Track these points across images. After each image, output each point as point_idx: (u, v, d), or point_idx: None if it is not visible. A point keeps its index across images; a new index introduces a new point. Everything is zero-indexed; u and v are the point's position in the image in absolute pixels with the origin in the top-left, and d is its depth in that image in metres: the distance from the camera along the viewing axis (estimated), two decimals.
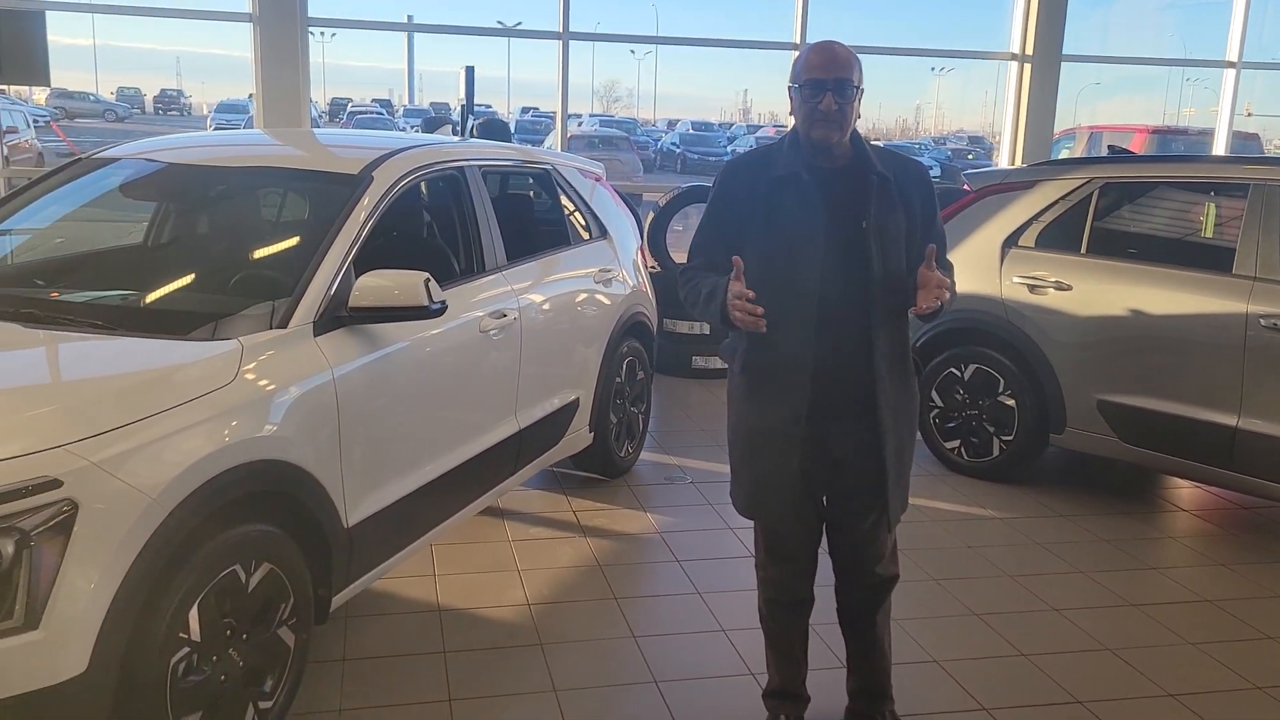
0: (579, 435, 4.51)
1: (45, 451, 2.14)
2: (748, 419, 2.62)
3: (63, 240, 4.37)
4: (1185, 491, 5.13)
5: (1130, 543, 4.42)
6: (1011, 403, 5.03)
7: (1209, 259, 4.68)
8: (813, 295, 2.46)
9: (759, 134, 35.68)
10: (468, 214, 3.91)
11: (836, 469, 2.61)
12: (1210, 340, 4.40)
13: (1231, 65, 8.91)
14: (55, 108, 33.44)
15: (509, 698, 3.05)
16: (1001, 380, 5.06)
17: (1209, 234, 5.51)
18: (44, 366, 2.70)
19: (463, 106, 7.91)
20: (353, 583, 3.04)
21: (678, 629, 3.50)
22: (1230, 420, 4.33)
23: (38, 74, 6.63)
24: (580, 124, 29.20)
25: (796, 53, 7.81)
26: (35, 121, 20.95)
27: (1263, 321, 4.24)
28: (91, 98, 41.41)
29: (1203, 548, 4.43)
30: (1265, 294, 4.28)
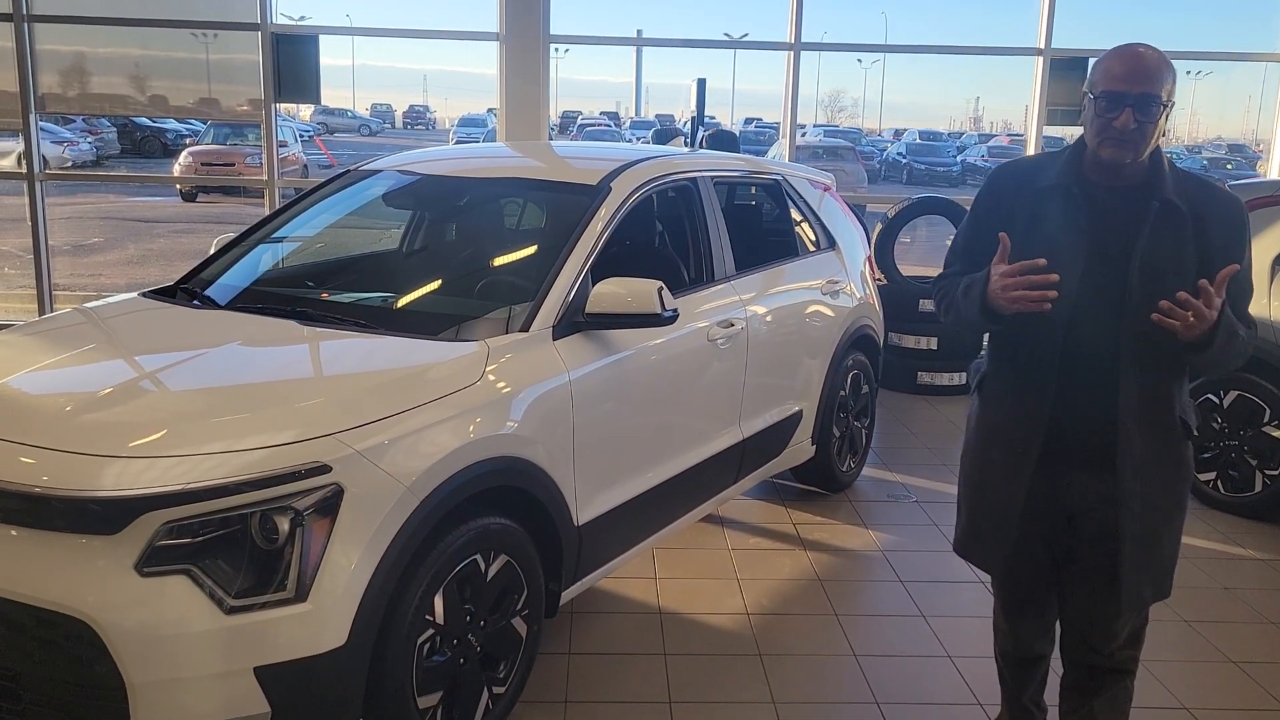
0: (801, 447, 4.48)
1: (317, 439, 2.34)
2: (975, 448, 2.42)
3: (323, 245, 4.76)
4: None
5: None
6: (1278, 434, 4.60)
7: None
8: (1061, 322, 2.18)
9: (991, 143, 34.28)
10: (698, 224, 3.97)
11: (1070, 524, 2.32)
12: None
13: None
14: (318, 123, 36.46)
15: (728, 705, 3.07)
16: (1267, 409, 4.64)
17: None
18: (315, 361, 2.94)
19: (693, 118, 8.02)
20: (580, 579, 3.14)
21: (901, 651, 3.41)
22: None
23: (311, 93, 7.24)
24: (804, 134, 29.00)
25: (1041, 58, 7.45)
26: (301, 136, 22.92)
27: None
28: (349, 114, 44.83)
29: None
30: None
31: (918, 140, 34.69)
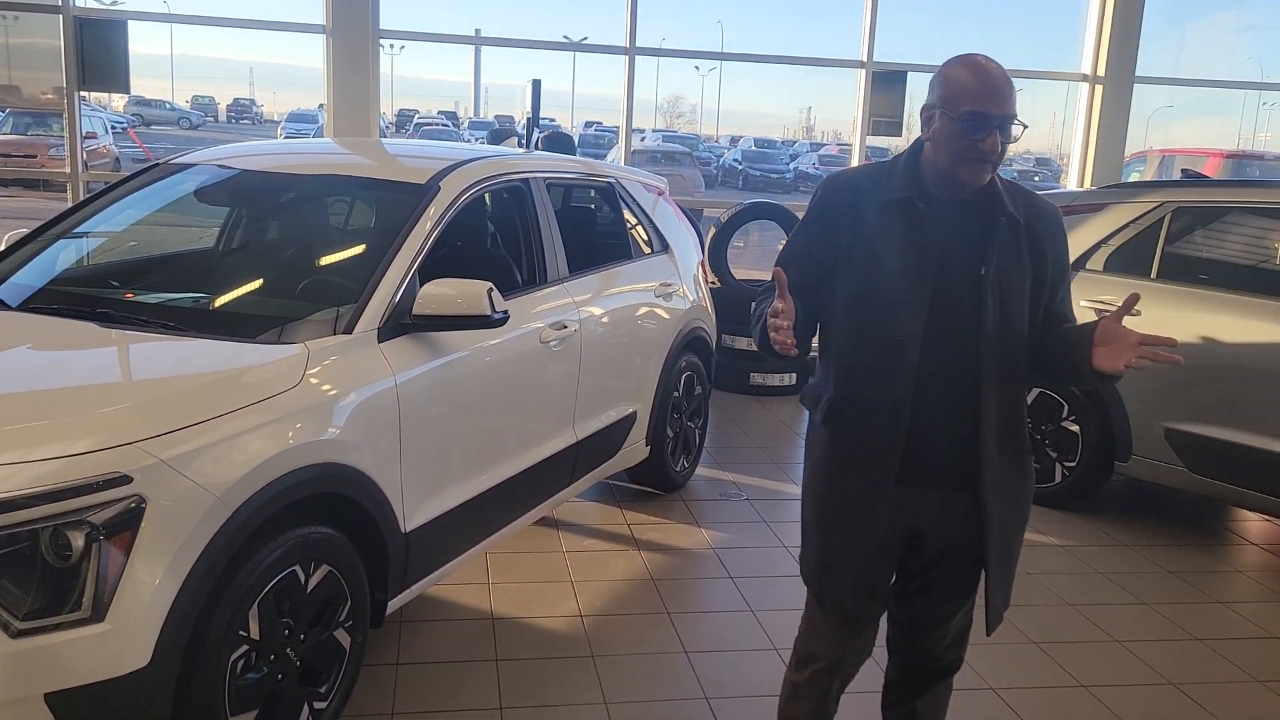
0: (635, 448, 4.52)
1: (116, 448, 2.20)
2: (824, 478, 2.25)
3: (136, 243, 4.49)
4: (1255, 524, 4.98)
5: (1196, 575, 4.30)
6: (1075, 428, 4.93)
7: None
8: (913, 345, 2.08)
9: (822, 151, 35.48)
10: (531, 226, 3.94)
11: (916, 540, 2.22)
12: None
13: None
14: (132, 115, 34.42)
15: (560, 708, 3.05)
16: (1065, 405, 4.97)
17: None
18: (117, 365, 2.77)
19: (528, 119, 7.98)
20: (409, 587, 3.06)
21: (730, 646, 3.48)
22: None
23: (118, 82, 6.82)
24: (643, 139, 29.34)
25: (863, 70, 7.76)
26: (113, 128, 21.59)
27: None
28: (167, 105, 42.54)
29: (1273, 583, 4.29)
30: None
31: (753, 147, 35.61)
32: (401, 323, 3.01)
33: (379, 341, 2.93)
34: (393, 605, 2.99)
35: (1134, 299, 2.05)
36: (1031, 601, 3.97)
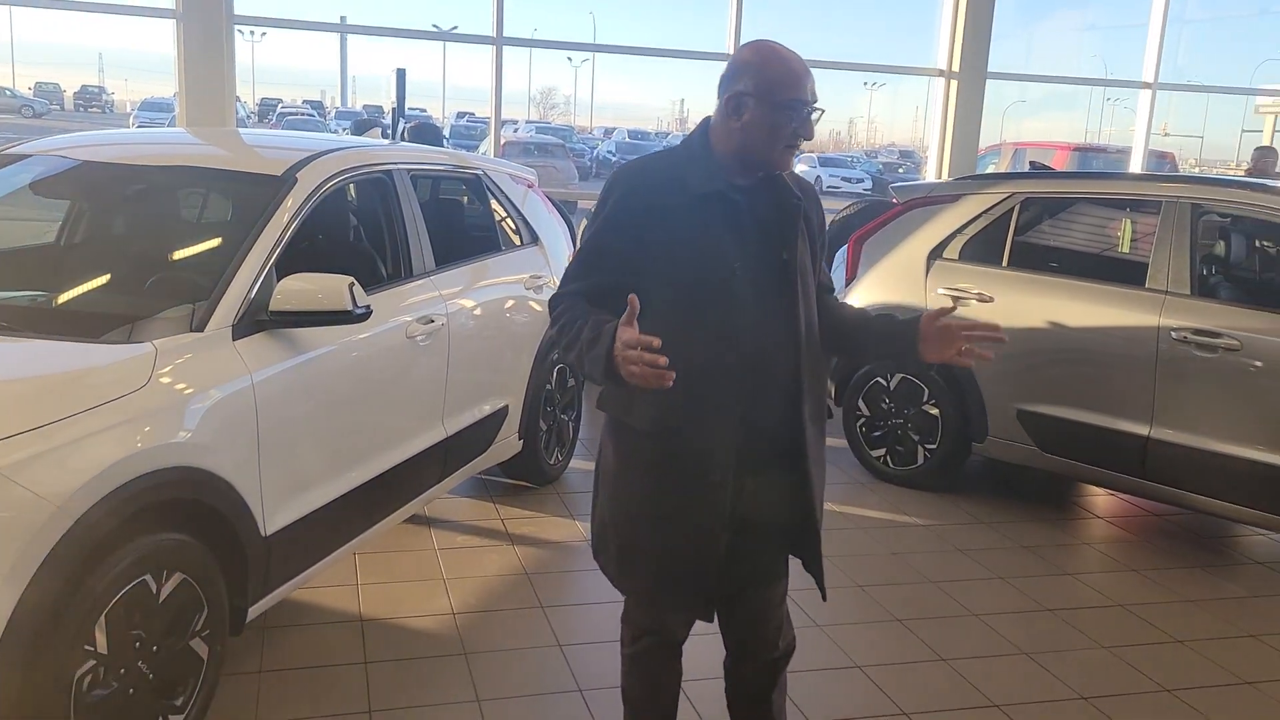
0: (508, 443, 4.48)
1: None
2: (648, 484, 2.15)
3: None
4: (1100, 499, 5.27)
5: (1048, 549, 4.53)
6: (936, 412, 5.12)
7: (1125, 273, 4.82)
8: (736, 340, 2.07)
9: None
10: (395, 218, 3.86)
11: (740, 529, 2.18)
12: (1125, 352, 4.53)
13: (1147, 86, 9.21)
14: None
15: (431, 708, 3.01)
16: (926, 390, 5.15)
17: (1125, 249, 5.68)
18: None
19: (394, 110, 7.82)
20: (270, 593, 2.97)
21: (604, 637, 3.48)
22: (1143, 430, 4.46)
23: None
24: (516, 130, 29.09)
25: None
26: None
27: (1173, 334, 4.37)
28: (8, 93, 40.13)
29: (1116, 554, 4.55)
30: (1175, 308, 4.42)
31: (627, 139, 35.76)
32: (258, 319, 2.91)
33: (234, 339, 2.83)
34: (253, 612, 2.89)
35: (951, 309, 2.22)
36: (896, 580, 4.10)
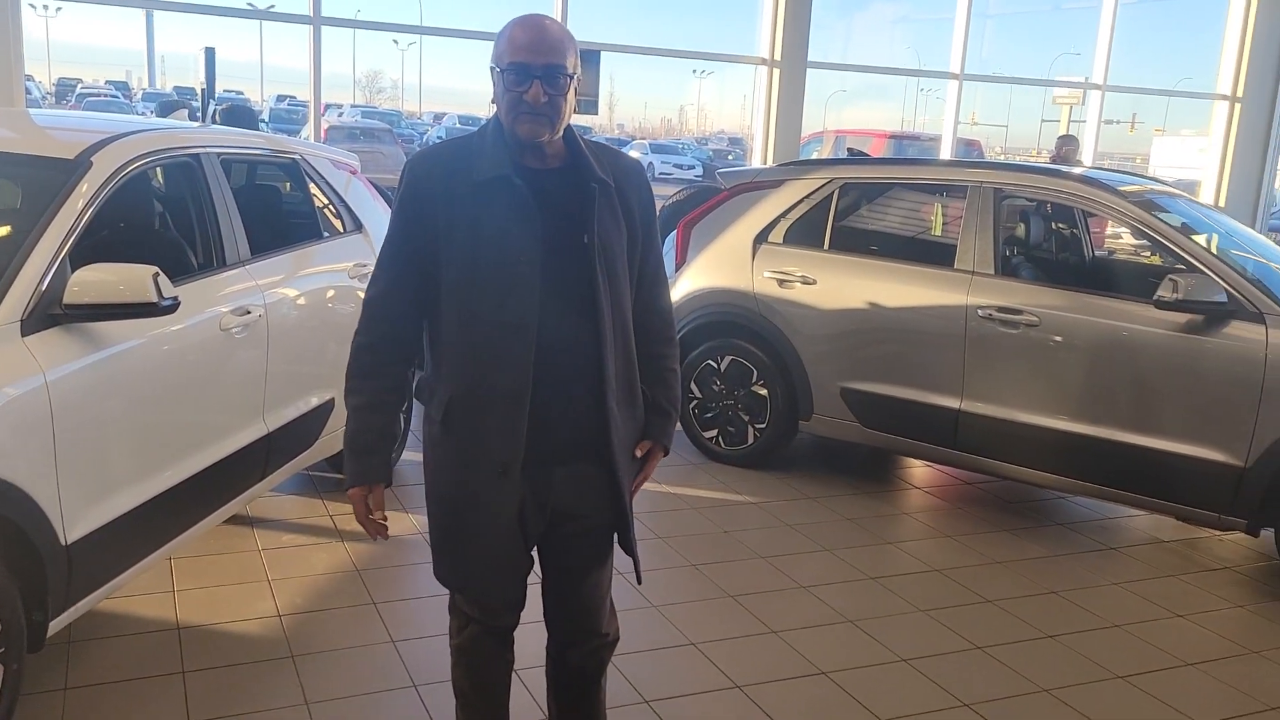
0: (335, 436, 4.33)
1: None
2: (448, 473, 2.16)
3: None
4: (918, 470, 5.54)
5: (870, 520, 4.73)
6: (764, 392, 5.26)
7: (936, 255, 5.07)
8: (530, 326, 2.04)
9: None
10: (205, 205, 3.67)
11: (556, 519, 2.19)
12: (937, 330, 4.77)
13: (955, 77, 9.71)
14: None
15: (255, 714, 2.89)
16: (755, 371, 5.28)
17: (938, 232, 5.98)
18: None
19: (203, 90, 7.43)
20: (74, 604, 2.78)
21: (440, 630, 3.41)
22: (954, 403, 4.71)
23: None
24: (341, 114, 28.16)
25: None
26: None
27: (979, 312, 4.63)
28: None
29: (933, 521, 4.79)
30: (981, 287, 4.68)
31: (458, 125, 35.15)
32: (51, 314, 2.71)
33: (23, 335, 2.63)
34: (55, 626, 2.70)
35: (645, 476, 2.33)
36: (728, 558, 4.20)
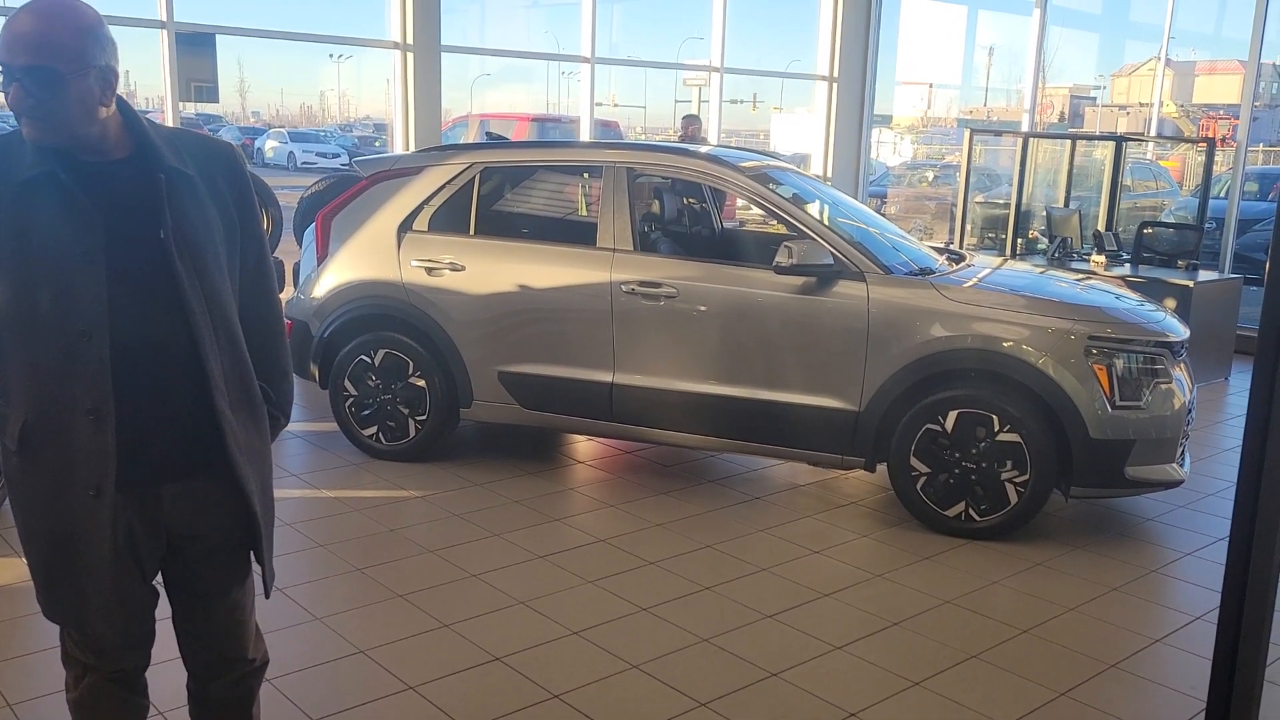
0: None
1: None
2: (40, 504, 1.95)
3: None
4: (581, 445, 5.68)
5: (537, 500, 4.79)
6: (422, 383, 5.16)
7: (580, 234, 5.20)
8: (100, 333, 1.85)
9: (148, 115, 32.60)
10: None
11: (177, 543, 2.04)
12: (585, 308, 4.90)
13: (586, 60, 9.98)
14: None
15: None
16: (411, 363, 5.17)
17: (583, 212, 6.14)
18: None
19: None
20: None
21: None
22: (607, 377, 4.87)
23: None
24: None
25: (165, 31, 7.19)
26: None
27: (623, 288, 4.81)
28: None
29: (596, 494, 4.94)
30: (623, 263, 4.86)
31: None
32: None
33: None
34: None
35: None
36: (395, 556, 4.09)
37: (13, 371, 1.91)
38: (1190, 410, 4.57)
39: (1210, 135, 15.24)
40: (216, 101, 7.53)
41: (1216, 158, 9.71)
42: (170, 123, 7.51)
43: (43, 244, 1.85)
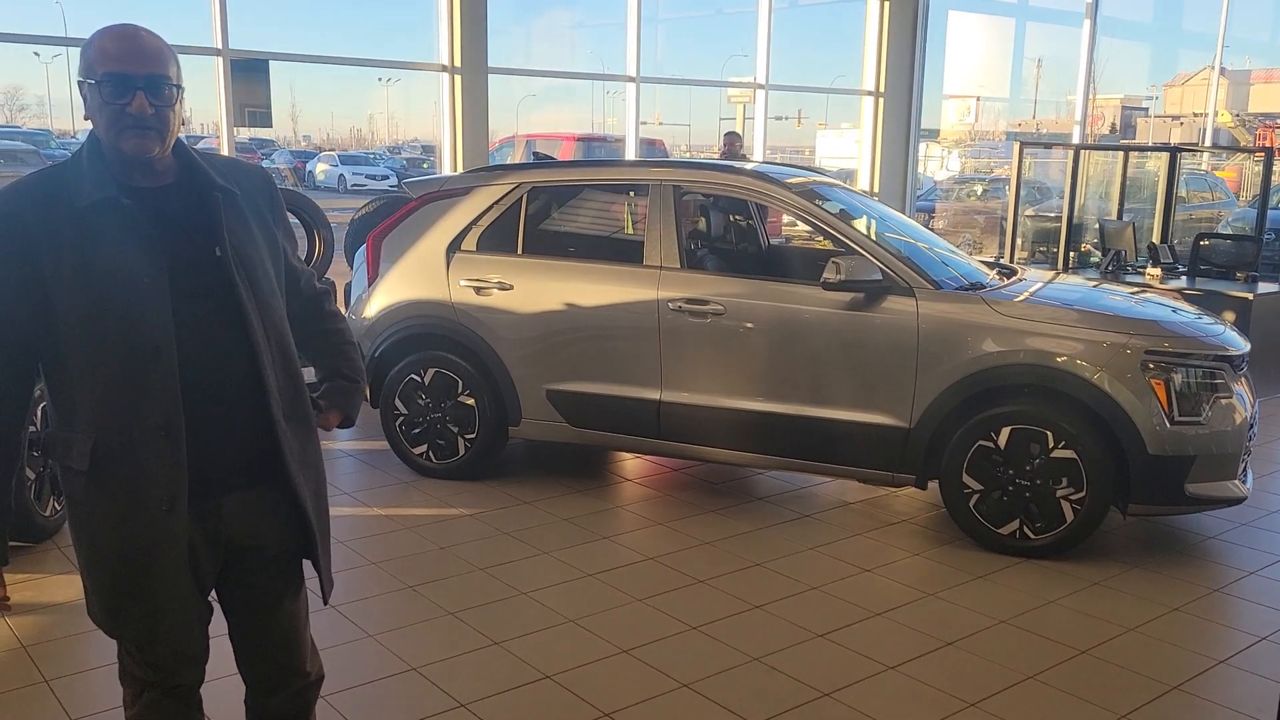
0: None
1: None
2: (109, 522, 1.97)
3: None
4: (628, 463, 5.68)
5: (585, 517, 4.80)
6: (471, 402, 5.20)
7: (627, 253, 5.21)
8: (169, 351, 1.90)
9: (201, 144, 33.36)
10: None
11: (234, 554, 2.08)
12: (633, 325, 4.91)
13: (631, 80, 10.06)
14: None
15: None
16: (460, 381, 5.21)
17: (629, 230, 6.16)
18: None
19: None
20: None
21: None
22: (655, 395, 4.87)
23: None
24: None
25: (220, 58, 7.36)
26: None
27: (670, 306, 4.82)
28: None
29: (644, 511, 4.93)
30: (670, 281, 4.87)
31: None
32: None
33: None
34: None
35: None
36: (446, 574, 4.12)
37: (81, 395, 1.94)
38: (1252, 425, 4.47)
39: (1268, 144, 14.94)
40: (270, 126, 7.70)
41: (1275, 167, 9.50)
42: (225, 148, 7.68)
43: (108, 267, 1.89)
